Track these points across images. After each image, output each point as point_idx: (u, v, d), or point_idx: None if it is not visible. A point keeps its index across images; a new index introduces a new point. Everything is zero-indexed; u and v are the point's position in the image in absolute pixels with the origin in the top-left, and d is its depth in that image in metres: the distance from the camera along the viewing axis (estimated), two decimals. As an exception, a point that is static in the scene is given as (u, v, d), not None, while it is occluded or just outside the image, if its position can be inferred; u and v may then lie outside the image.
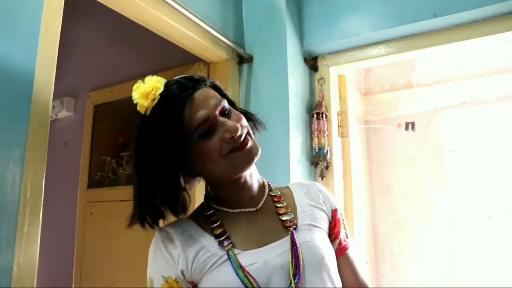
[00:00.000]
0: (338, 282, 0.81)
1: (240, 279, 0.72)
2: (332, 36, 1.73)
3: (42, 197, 0.86)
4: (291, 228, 0.80)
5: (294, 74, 1.68)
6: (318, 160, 1.70)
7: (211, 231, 0.79)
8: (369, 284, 0.89)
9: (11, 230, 0.78)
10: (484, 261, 2.19)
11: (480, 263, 2.19)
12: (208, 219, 0.82)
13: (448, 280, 2.26)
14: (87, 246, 2.30)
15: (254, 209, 0.83)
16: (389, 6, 1.61)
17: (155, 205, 0.78)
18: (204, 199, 0.87)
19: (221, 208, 0.84)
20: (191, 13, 1.41)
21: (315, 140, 1.71)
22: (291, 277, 0.74)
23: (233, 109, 0.81)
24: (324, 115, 1.72)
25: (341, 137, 1.82)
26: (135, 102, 0.77)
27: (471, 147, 2.36)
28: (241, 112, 0.84)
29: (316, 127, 1.72)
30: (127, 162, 2.41)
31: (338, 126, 1.81)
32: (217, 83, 0.84)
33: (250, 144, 0.78)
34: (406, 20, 1.57)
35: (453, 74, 2.51)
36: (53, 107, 2.51)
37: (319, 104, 1.75)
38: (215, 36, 1.54)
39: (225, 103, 0.79)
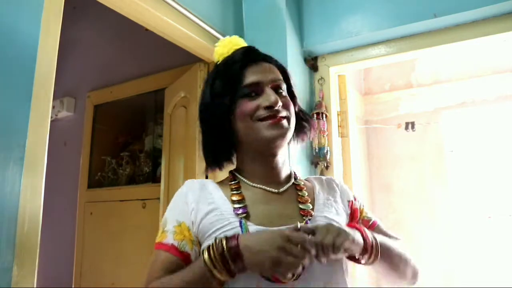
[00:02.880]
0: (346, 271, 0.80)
1: None
2: (332, 36, 1.73)
3: (42, 197, 0.86)
4: (306, 218, 0.81)
5: (294, 74, 1.65)
6: (318, 160, 1.70)
7: (230, 198, 0.81)
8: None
9: (11, 230, 0.78)
10: (484, 261, 2.19)
11: (480, 263, 2.19)
12: (231, 185, 0.85)
13: (448, 280, 2.26)
14: (87, 246, 2.30)
15: (277, 191, 0.84)
16: (389, 6, 1.61)
17: (208, 151, 0.87)
18: (230, 172, 0.90)
19: (245, 181, 0.85)
20: (191, 13, 1.41)
21: (315, 140, 1.71)
22: None
23: (287, 95, 0.86)
24: (324, 115, 1.72)
25: (341, 137, 1.82)
26: (215, 52, 0.90)
27: (471, 147, 2.35)
28: (300, 111, 0.91)
29: (316, 127, 1.72)
30: (127, 162, 2.41)
31: (338, 126, 1.81)
32: (288, 71, 0.91)
33: (283, 123, 0.81)
34: (406, 20, 1.58)
35: (453, 74, 2.51)
36: (53, 107, 2.51)
37: (319, 104, 1.75)
38: (215, 36, 1.54)
39: (282, 84, 0.85)
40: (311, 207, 0.84)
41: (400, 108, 2.62)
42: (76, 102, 2.62)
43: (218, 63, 0.90)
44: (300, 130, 0.92)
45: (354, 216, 0.91)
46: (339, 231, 0.72)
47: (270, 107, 0.80)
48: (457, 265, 2.27)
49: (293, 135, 0.89)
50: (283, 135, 0.81)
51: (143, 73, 2.32)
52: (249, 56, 0.86)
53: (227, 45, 0.89)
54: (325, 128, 1.71)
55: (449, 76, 2.52)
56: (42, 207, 0.85)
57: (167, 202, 2.04)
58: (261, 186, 0.84)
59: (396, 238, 0.90)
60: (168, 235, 0.78)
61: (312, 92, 1.82)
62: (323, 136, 1.70)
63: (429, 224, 2.39)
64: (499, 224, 2.20)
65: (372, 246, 0.78)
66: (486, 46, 2.28)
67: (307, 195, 0.86)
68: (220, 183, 0.88)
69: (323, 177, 0.97)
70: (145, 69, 2.31)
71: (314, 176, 0.98)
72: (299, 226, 0.72)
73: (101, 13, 2.32)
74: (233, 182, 0.85)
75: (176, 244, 0.76)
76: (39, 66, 0.88)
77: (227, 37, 0.92)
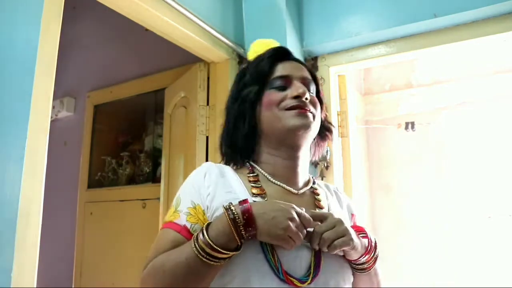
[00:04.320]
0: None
1: (261, 245, 0.70)
2: (332, 36, 1.73)
3: (42, 197, 0.86)
4: None
5: (294, 74, 1.68)
6: (318, 160, 1.70)
7: (249, 188, 0.79)
8: None
9: (11, 230, 0.78)
10: (484, 261, 2.18)
11: (480, 263, 2.19)
12: (250, 177, 0.82)
13: (448, 280, 2.26)
14: (87, 246, 2.30)
15: (296, 191, 0.83)
16: (389, 6, 1.61)
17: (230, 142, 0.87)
18: (248, 163, 0.87)
19: (265, 175, 0.83)
20: (191, 13, 1.41)
21: (315, 140, 1.71)
22: (311, 270, 0.72)
23: (315, 96, 0.86)
24: (324, 115, 1.72)
25: (341, 137, 1.82)
26: (249, 48, 0.95)
27: (471, 147, 2.35)
28: (325, 119, 0.92)
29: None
30: (127, 162, 2.42)
31: (338, 126, 1.81)
32: (317, 77, 0.93)
33: (309, 115, 0.81)
34: (406, 20, 1.57)
35: (453, 74, 2.50)
36: (53, 107, 2.51)
37: (319, 104, 1.75)
38: (215, 36, 1.54)
39: (311, 84, 0.87)
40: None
41: (400, 108, 2.62)
42: (76, 102, 2.62)
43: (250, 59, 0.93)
44: (321, 137, 0.91)
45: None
46: (344, 232, 0.72)
47: (298, 97, 0.80)
48: (457, 265, 2.26)
49: (314, 139, 0.88)
50: (308, 125, 0.80)
51: (143, 73, 2.32)
52: (281, 53, 0.88)
53: (262, 45, 0.92)
54: (325, 128, 1.71)
55: (449, 76, 2.51)
56: (42, 207, 0.85)
57: (167, 202, 2.05)
58: (281, 183, 0.82)
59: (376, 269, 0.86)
60: (182, 215, 0.75)
61: (312, 92, 1.81)
62: (323, 136, 1.70)
63: (429, 224, 2.39)
64: (499, 224, 2.20)
65: (374, 257, 0.80)
66: (486, 46, 2.28)
67: (323, 202, 0.85)
68: (238, 171, 0.85)
69: (330, 186, 0.96)
70: (145, 69, 2.31)
71: (322, 182, 0.97)
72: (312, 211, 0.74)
73: (101, 13, 2.32)
74: (251, 175, 0.83)
75: (188, 226, 0.73)
76: (39, 66, 0.88)
77: (262, 39, 0.95)
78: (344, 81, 1.88)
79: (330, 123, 0.95)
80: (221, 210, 0.70)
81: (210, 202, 0.76)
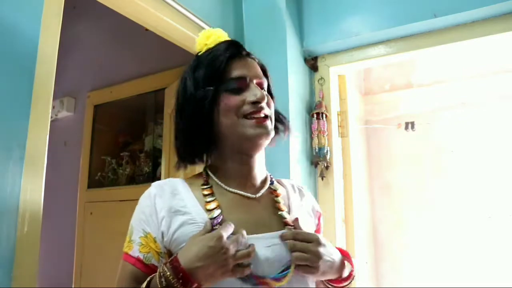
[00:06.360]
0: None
1: None
2: (332, 36, 1.73)
3: (42, 197, 0.86)
4: (285, 228, 0.79)
5: (294, 74, 1.68)
6: (318, 160, 1.70)
7: (203, 204, 0.77)
8: None
9: (11, 230, 0.78)
10: (484, 261, 2.18)
11: (480, 263, 2.19)
12: (204, 190, 0.80)
13: (448, 280, 2.26)
14: (87, 246, 2.30)
15: (254, 196, 0.81)
16: (389, 6, 1.61)
17: (186, 144, 0.83)
18: (204, 169, 0.86)
19: (220, 184, 0.81)
20: (191, 13, 1.41)
21: (315, 140, 1.71)
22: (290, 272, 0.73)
23: (268, 95, 0.84)
24: (324, 115, 1.72)
25: (341, 137, 1.82)
26: (197, 40, 0.87)
27: (471, 147, 2.35)
28: (276, 111, 0.88)
29: (316, 127, 1.72)
30: (127, 162, 2.42)
31: (338, 126, 1.81)
32: (269, 76, 0.89)
33: (267, 123, 0.80)
34: (406, 20, 1.57)
35: (453, 74, 2.50)
36: (53, 107, 2.51)
37: (319, 104, 1.75)
38: (215, 36, 1.54)
39: (264, 83, 0.84)
40: (288, 215, 0.82)
41: (400, 108, 2.62)
42: (76, 102, 2.62)
43: (200, 53, 0.86)
44: (276, 132, 0.89)
45: (318, 230, 0.91)
46: (321, 254, 0.75)
47: (256, 102, 0.78)
48: (457, 265, 2.26)
49: None
50: (267, 134, 0.79)
51: (143, 73, 2.32)
52: (235, 49, 0.84)
53: (211, 36, 0.86)
54: (325, 128, 1.71)
55: (449, 76, 2.51)
56: (42, 207, 0.85)
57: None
58: (237, 191, 0.80)
59: None
60: (134, 246, 0.75)
61: (312, 92, 1.82)
62: (323, 136, 1.70)
63: (429, 224, 2.39)
64: (499, 224, 2.20)
65: (351, 279, 0.82)
66: (486, 46, 2.28)
67: (283, 203, 0.84)
68: (191, 183, 0.82)
69: (292, 182, 0.95)
70: (145, 69, 2.31)
71: (285, 179, 0.95)
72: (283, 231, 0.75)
73: (101, 13, 2.32)
74: (206, 187, 0.80)
75: (141, 257, 0.74)
76: (39, 66, 0.88)
77: (210, 28, 0.90)
78: (344, 81, 1.88)
79: (281, 114, 0.92)
80: (181, 237, 0.72)
81: (166, 227, 0.74)
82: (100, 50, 2.57)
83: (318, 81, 1.81)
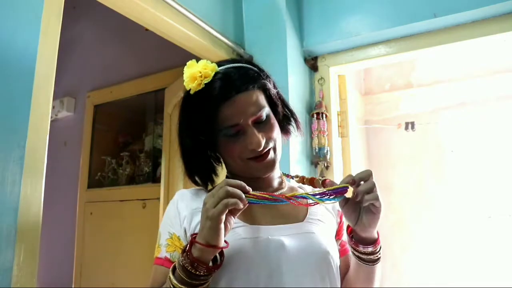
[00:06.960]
0: (337, 280, 0.81)
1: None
2: (332, 36, 1.73)
3: (42, 197, 0.86)
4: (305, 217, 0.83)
5: (294, 74, 1.68)
6: (318, 160, 1.70)
7: None
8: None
9: (11, 230, 0.78)
10: (484, 261, 2.19)
11: (480, 263, 2.19)
12: None
13: (448, 280, 2.26)
14: (87, 246, 2.30)
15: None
16: (389, 6, 1.61)
17: (190, 174, 0.86)
18: (226, 176, 0.89)
19: None
20: (191, 13, 1.40)
21: (315, 140, 1.71)
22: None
23: (270, 118, 0.82)
24: (324, 115, 1.72)
25: (341, 137, 1.82)
26: (184, 79, 0.81)
27: (471, 147, 2.35)
28: (288, 111, 0.89)
29: (316, 127, 1.72)
30: (127, 162, 2.42)
31: (338, 126, 1.81)
32: (268, 85, 0.83)
33: (269, 157, 0.81)
34: (406, 20, 1.57)
35: (453, 74, 2.50)
36: (53, 107, 2.51)
37: (319, 104, 1.75)
38: (215, 36, 1.54)
39: (263, 112, 0.79)
40: (306, 210, 0.85)
41: (400, 108, 2.62)
42: (76, 102, 2.62)
43: (190, 92, 0.81)
44: (287, 130, 0.91)
45: (341, 228, 0.93)
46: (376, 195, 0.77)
47: (254, 150, 0.78)
48: (457, 265, 2.26)
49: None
50: (272, 167, 0.82)
51: (143, 73, 2.32)
52: (224, 91, 0.77)
53: (198, 70, 0.79)
54: (325, 128, 1.71)
55: (449, 76, 2.51)
56: (42, 207, 0.85)
57: (167, 202, 2.04)
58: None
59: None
60: (162, 248, 0.80)
61: (312, 92, 1.82)
62: (323, 136, 1.70)
63: (429, 224, 2.39)
64: (499, 224, 2.20)
65: (378, 248, 0.81)
66: (486, 46, 2.28)
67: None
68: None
69: (305, 187, 0.96)
70: (145, 69, 2.31)
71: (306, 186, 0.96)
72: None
73: (101, 13, 2.32)
74: None
75: (169, 256, 0.79)
76: (39, 66, 0.88)
77: (193, 60, 0.84)
78: (344, 81, 1.88)
79: (294, 114, 0.92)
80: None
81: (188, 224, 0.80)
82: (100, 50, 2.57)
83: (318, 81, 1.81)
